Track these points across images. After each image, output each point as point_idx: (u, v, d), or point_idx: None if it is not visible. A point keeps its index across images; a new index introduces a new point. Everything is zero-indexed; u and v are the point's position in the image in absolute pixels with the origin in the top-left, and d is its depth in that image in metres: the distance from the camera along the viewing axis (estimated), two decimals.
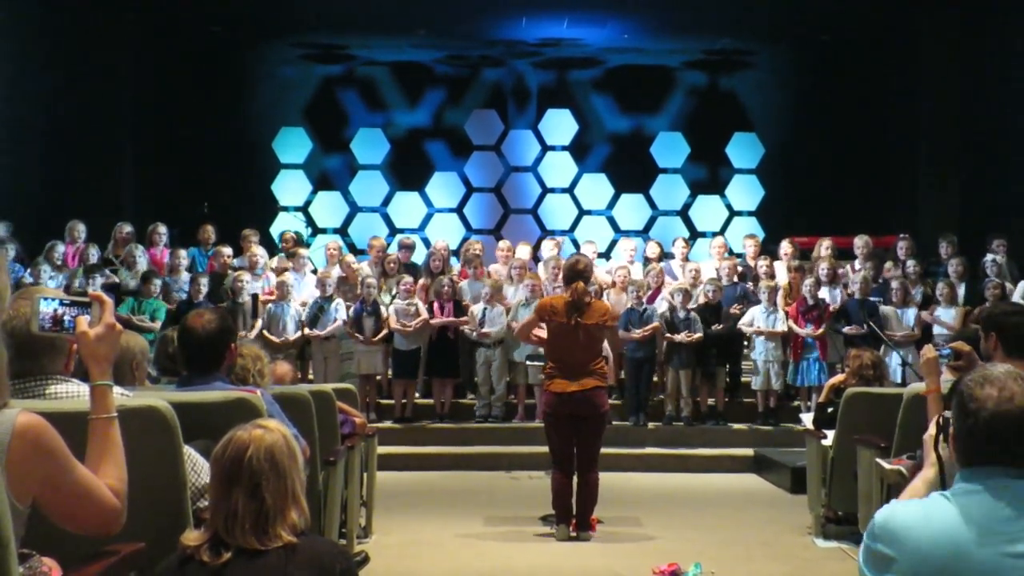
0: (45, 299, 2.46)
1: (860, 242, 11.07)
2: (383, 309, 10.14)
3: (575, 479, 6.74)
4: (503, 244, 11.44)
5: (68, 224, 11.00)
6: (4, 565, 1.92)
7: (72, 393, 2.90)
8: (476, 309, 10.04)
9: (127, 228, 11.17)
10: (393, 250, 11.53)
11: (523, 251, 11.33)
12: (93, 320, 2.47)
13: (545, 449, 7.08)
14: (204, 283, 9.93)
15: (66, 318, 2.47)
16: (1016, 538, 1.98)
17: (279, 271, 10.74)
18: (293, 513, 2.63)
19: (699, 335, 9.84)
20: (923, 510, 2.07)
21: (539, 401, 9.08)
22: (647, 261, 11.29)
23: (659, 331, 9.90)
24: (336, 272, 10.72)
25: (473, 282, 10.51)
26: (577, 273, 6.71)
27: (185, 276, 10.34)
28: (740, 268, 10.86)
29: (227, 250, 10.83)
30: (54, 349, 2.86)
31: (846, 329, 9.87)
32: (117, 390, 3.12)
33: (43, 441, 2.21)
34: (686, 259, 11.10)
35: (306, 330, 10.00)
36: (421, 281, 10.52)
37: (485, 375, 10.17)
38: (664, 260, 11.27)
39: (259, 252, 10.81)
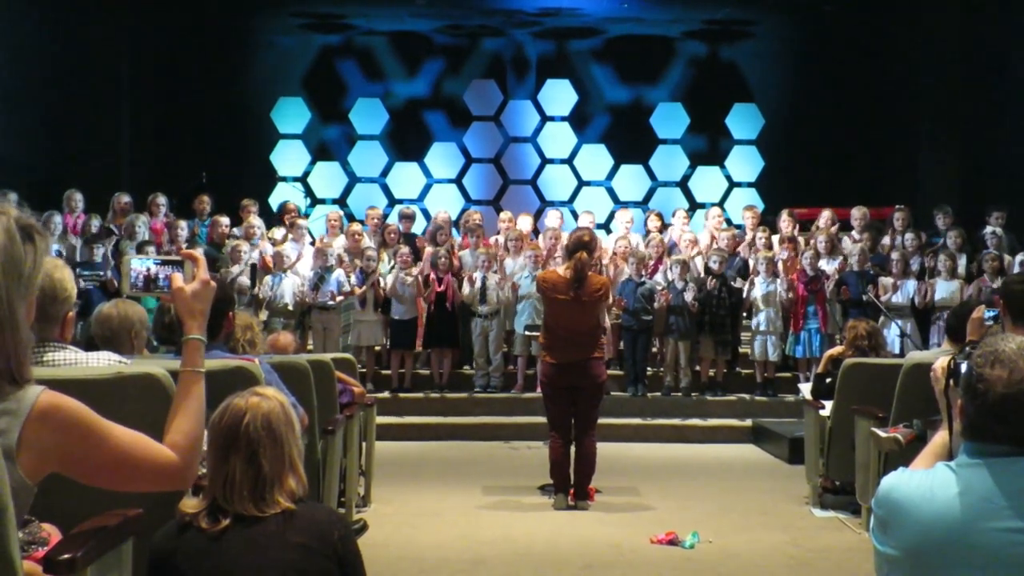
0: (137, 259, 2.51)
1: (858, 213, 11.05)
2: (381, 279, 10.14)
3: (573, 448, 6.78)
4: (504, 215, 11.40)
5: (66, 193, 10.93)
6: (3, 530, 1.92)
7: (70, 361, 2.89)
8: (476, 277, 10.03)
9: (125, 198, 11.10)
10: (393, 220, 11.50)
11: (524, 222, 11.31)
12: (187, 276, 2.49)
13: (543, 419, 7.11)
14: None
15: (160, 276, 2.50)
16: (1019, 514, 1.96)
17: (277, 242, 10.72)
18: (291, 480, 2.64)
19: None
20: (928, 482, 2.05)
21: (538, 372, 9.10)
22: (648, 232, 11.25)
23: (666, 302, 9.89)
24: (339, 242, 10.69)
25: (475, 252, 10.49)
26: (582, 245, 6.73)
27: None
28: (738, 239, 10.84)
29: (225, 220, 10.80)
30: (48, 317, 2.84)
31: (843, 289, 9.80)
32: (114, 358, 3.12)
33: (63, 420, 2.14)
34: (686, 230, 11.09)
35: (308, 300, 9.97)
36: (428, 250, 10.53)
37: (482, 346, 10.18)
38: (664, 232, 11.24)
39: (256, 222, 10.79)
